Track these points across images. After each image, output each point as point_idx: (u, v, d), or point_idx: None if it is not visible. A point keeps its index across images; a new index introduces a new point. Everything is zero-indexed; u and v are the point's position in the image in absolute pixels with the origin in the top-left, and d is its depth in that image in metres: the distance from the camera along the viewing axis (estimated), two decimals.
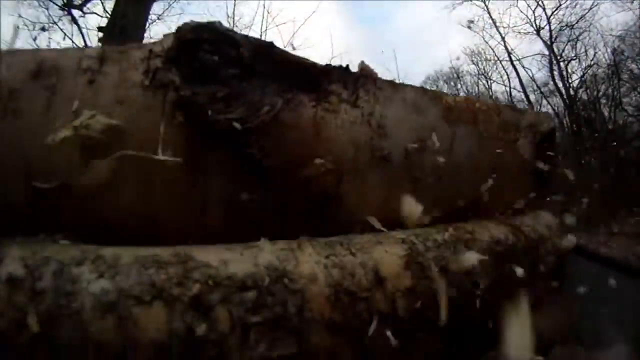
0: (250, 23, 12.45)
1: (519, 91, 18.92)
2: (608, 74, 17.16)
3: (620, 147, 15.95)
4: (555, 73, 17.31)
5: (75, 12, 9.51)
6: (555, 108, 18.13)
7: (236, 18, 11.69)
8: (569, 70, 17.68)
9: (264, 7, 11.69)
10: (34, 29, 9.55)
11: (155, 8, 10.71)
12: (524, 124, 1.48)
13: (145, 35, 8.36)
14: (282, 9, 16.24)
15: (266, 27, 11.47)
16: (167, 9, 11.47)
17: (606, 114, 17.52)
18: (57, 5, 9.48)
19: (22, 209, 1.02)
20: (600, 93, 17.08)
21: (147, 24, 8.86)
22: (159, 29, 11.51)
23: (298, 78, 1.14)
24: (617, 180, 14.53)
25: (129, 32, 7.41)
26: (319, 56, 14.85)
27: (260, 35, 11.15)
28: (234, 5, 12.80)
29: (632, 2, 14.20)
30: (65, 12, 9.56)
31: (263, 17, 11.65)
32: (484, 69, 20.27)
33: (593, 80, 17.15)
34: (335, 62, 1.21)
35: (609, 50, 16.91)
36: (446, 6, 18.39)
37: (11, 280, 0.84)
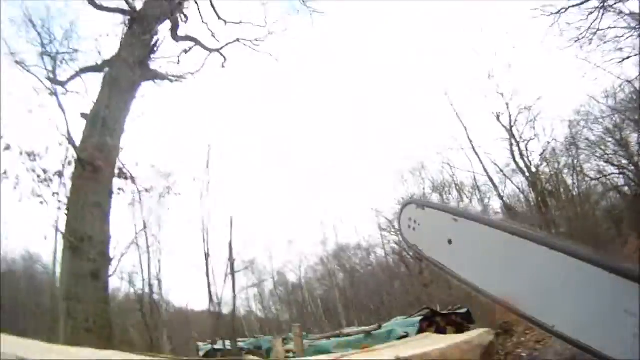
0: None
1: (482, 175, 19.92)
2: (566, 146, 18.34)
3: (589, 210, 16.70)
4: (516, 154, 18.42)
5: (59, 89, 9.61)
6: (519, 186, 19.30)
7: None
8: (529, 149, 18.84)
9: None
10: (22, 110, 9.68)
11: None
12: None
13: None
14: None
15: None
16: (149, 108, 11.94)
17: (569, 182, 18.61)
18: (37, 78, 9.64)
19: None
20: (562, 164, 18.27)
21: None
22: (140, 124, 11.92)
23: None
24: (590, 244, 14.97)
25: (110, 124, 7.84)
26: None
27: None
28: None
29: (584, 77, 15.59)
30: (50, 90, 9.75)
31: None
32: (447, 158, 21.58)
33: (553, 154, 18.30)
34: None
35: (565, 124, 18.18)
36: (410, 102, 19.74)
37: None
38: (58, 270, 15.27)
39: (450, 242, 1.59)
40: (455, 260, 1.57)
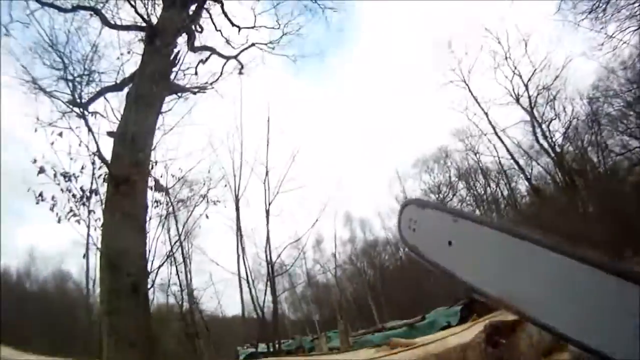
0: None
1: (507, 159, 19.68)
2: (588, 123, 18.03)
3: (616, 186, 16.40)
4: (539, 135, 18.15)
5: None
6: (545, 166, 18.94)
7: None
8: (552, 130, 18.55)
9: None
10: (52, 133, 9.98)
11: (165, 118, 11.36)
12: None
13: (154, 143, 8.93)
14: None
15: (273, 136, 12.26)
16: (175, 125, 12.10)
17: (595, 160, 18.22)
18: (61, 101, 9.92)
19: None
20: (585, 142, 17.87)
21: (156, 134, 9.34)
22: (169, 138, 12.15)
23: None
24: (619, 223, 14.72)
25: (139, 139, 7.96)
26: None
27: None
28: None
29: (601, 49, 15.29)
30: (71, 110, 9.99)
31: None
32: (470, 145, 21.32)
33: (576, 132, 17.97)
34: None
35: (585, 101, 17.88)
36: (430, 92, 19.79)
37: None
38: (91, 286, 15.72)
39: (450, 243, 1.58)
40: (455, 261, 1.56)
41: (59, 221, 9.25)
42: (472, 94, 19.17)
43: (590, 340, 1.10)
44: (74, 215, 9.51)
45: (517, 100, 18.46)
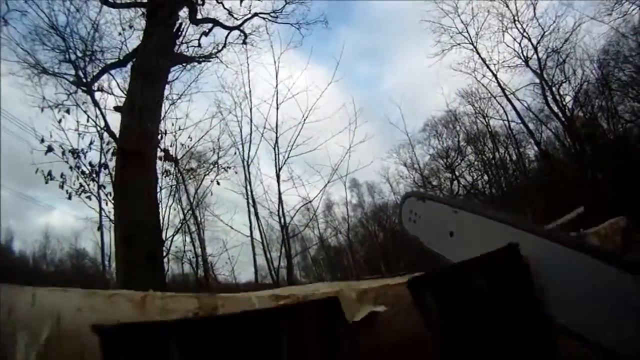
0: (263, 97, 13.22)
1: (517, 123, 19.42)
2: (599, 88, 17.70)
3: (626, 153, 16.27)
4: (549, 98, 17.83)
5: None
6: (555, 131, 18.70)
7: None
8: (562, 93, 18.24)
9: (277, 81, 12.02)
10: (58, 111, 10.09)
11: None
12: None
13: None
14: (294, 82, 16.98)
15: (281, 100, 12.16)
16: (182, 93, 12.08)
17: (605, 126, 17.98)
18: (68, 80, 10.02)
19: None
20: (595, 107, 17.62)
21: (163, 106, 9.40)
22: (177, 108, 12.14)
23: None
24: (628, 191, 14.66)
25: (147, 111, 7.99)
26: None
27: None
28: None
29: (611, 14, 14.92)
30: (77, 89, 10.09)
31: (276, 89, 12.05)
32: (479, 108, 21.00)
33: (586, 97, 17.69)
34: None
35: (595, 65, 17.52)
36: (436, 53, 19.27)
37: None
38: (107, 262, 16.06)
39: (451, 234, 1.60)
40: (456, 251, 1.58)
41: (69, 197, 9.45)
42: (480, 56, 18.74)
43: (590, 332, 1.11)
44: (84, 191, 9.69)
45: (526, 62, 18.06)
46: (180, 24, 9.59)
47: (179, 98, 11.83)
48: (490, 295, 1.20)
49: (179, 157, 10.57)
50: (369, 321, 1.62)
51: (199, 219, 14.07)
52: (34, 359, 1.46)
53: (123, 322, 1.47)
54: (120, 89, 10.57)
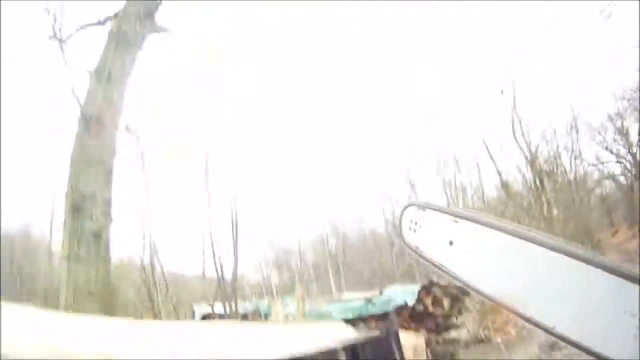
0: None
1: (481, 149, 19.82)
2: (567, 128, 18.36)
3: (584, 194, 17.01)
4: (517, 131, 18.29)
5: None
6: (517, 164, 19.29)
7: None
8: (529, 127, 18.77)
9: None
10: None
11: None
12: None
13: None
14: None
15: None
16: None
17: (567, 165, 18.76)
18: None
19: None
20: (561, 146, 18.33)
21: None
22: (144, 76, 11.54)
23: None
24: (580, 231, 15.36)
25: (116, 79, 7.57)
26: None
27: None
28: None
29: None
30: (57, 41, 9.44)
31: None
32: (446, 130, 21.46)
33: (553, 134, 18.33)
34: None
35: (567, 105, 18.14)
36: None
37: None
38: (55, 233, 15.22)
39: (451, 243, 1.61)
40: (456, 261, 1.60)
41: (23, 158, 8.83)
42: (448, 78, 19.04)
43: (589, 341, 1.05)
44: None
45: (501, 92, 18.51)
46: None
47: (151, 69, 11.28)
48: None
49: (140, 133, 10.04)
50: None
51: (151, 202, 13.37)
52: None
53: None
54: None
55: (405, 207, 1.88)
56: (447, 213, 1.70)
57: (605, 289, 1.06)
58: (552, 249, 1.17)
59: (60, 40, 9.03)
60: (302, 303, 8.75)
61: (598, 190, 18.73)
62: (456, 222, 1.60)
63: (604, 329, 1.06)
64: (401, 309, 8.63)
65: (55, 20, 9.20)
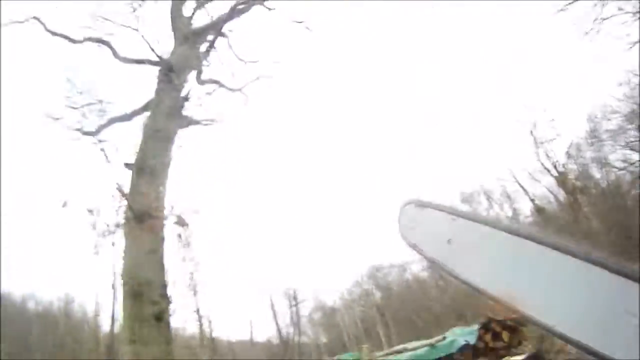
0: None
1: (511, 181, 19.81)
2: (588, 140, 18.31)
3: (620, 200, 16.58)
4: (541, 155, 18.38)
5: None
6: (548, 187, 19.24)
7: None
8: (553, 150, 18.79)
9: None
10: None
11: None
12: None
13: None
14: None
15: None
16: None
17: (597, 176, 18.47)
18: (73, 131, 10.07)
19: None
20: (587, 159, 18.20)
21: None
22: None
23: None
24: (624, 237, 14.88)
25: (158, 174, 8.28)
26: None
27: None
28: None
29: None
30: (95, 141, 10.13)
31: None
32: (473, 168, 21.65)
33: (577, 149, 18.29)
34: None
35: (584, 119, 18.19)
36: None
37: None
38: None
39: (449, 241, 1.70)
40: (454, 259, 1.67)
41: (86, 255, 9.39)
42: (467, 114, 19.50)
43: (589, 340, 1.10)
44: (97, 253, 9.72)
45: (518, 122, 18.80)
46: (190, 86, 10.03)
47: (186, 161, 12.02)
48: None
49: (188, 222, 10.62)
50: None
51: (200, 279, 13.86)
52: None
53: None
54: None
55: (404, 205, 2.04)
56: (445, 211, 1.85)
57: (606, 288, 1.10)
58: (551, 247, 1.22)
59: (87, 135, 9.86)
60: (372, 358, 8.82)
61: (633, 192, 18.26)
62: (454, 220, 1.75)
63: (604, 328, 1.10)
64: (464, 349, 8.62)
65: (84, 116, 10.10)
